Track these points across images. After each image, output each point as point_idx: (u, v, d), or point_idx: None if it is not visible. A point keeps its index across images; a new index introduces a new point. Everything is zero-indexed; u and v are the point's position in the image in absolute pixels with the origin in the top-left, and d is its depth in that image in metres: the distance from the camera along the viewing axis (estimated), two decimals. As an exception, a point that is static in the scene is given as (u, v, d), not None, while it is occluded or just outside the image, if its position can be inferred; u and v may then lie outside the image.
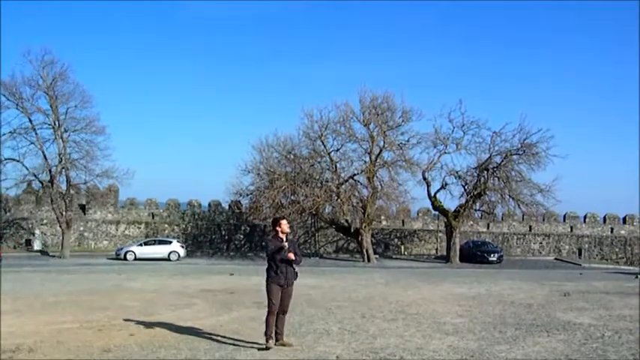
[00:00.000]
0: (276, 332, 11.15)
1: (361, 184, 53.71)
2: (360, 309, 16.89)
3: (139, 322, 14.14)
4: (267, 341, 11.04)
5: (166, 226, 63.14)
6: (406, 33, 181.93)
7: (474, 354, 10.79)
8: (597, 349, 11.42)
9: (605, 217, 68.21)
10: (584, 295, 22.13)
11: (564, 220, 67.57)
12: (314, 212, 52.98)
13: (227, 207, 63.04)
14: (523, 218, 64.90)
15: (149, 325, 13.84)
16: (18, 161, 50.06)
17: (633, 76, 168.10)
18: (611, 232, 67.57)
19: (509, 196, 53.83)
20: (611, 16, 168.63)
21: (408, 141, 53.52)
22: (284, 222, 11.39)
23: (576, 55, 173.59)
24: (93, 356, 10.70)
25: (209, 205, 64.53)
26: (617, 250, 66.68)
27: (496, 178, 54.21)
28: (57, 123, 50.35)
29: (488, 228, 65.76)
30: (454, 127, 53.81)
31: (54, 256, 50.96)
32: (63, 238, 51.84)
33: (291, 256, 11.09)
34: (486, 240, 62.34)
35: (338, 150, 53.48)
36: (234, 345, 11.52)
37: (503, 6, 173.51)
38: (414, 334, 12.78)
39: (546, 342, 12.04)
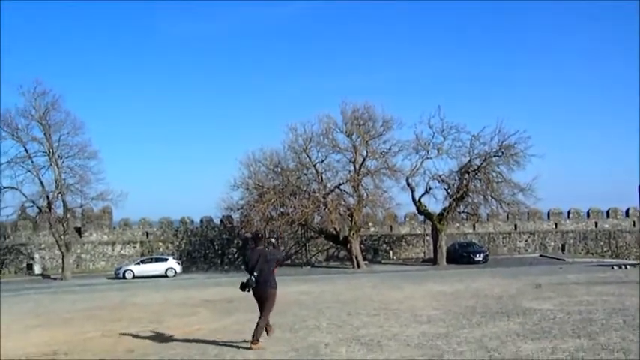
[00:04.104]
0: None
1: (347, 193, 55.66)
2: (347, 308, 18.78)
3: (152, 329, 15.99)
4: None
5: (160, 243, 64.83)
6: (381, 40, 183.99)
7: (440, 336, 12.76)
8: (545, 327, 13.42)
9: (588, 212, 70.34)
10: (555, 286, 24.01)
11: (548, 218, 69.70)
12: (303, 223, 54.87)
13: (219, 222, 64.80)
14: (508, 218, 66.93)
15: (162, 330, 15.70)
16: (16, 189, 52.05)
17: (607, 70, 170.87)
18: (595, 226, 69.74)
19: (492, 196, 55.80)
20: (595, 15, 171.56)
21: (390, 149, 55.61)
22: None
23: (552, 53, 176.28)
24: (119, 356, 12.62)
25: (201, 221, 66.30)
26: (601, 243, 68.81)
27: (477, 180, 56.17)
28: (51, 150, 52.40)
29: (474, 229, 67.71)
30: (434, 133, 55.93)
31: (55, 279, 52.68)
32: (63, 260, 53.71)
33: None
34: (472, 241, 64.25)
35: (323, 161, 55.55)
36: (237, 342, 13.34)
37: (478, 7, 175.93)
38: (392, 325, 14.72)
39: (504, 324, 14.01)
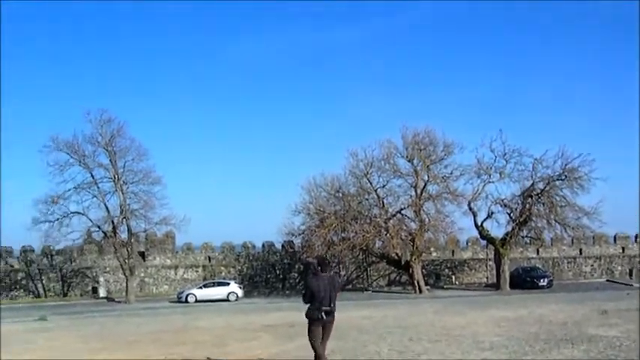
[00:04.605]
0: None
1: (409, 217, 55.25)
2: (408, 334, 18.68)
3: (214, 353, 16.17)
4: None
5: (222, 268, 65.42)
6: (436, 64, 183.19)
7: (502, 364, 12.63)
8: (610, 355, 13.14)
9: (656, 236, 68.40)
10: (621, 312, 23.46)
11: (615, 242, 68.11)
12: (364, 248, 54.75)
13: (280, 247, 65.21)
14: (572, 242, 65.59)
15: (224, 354, 15.87)
16: (82, 214, 53.41)
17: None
18: (665, 249, 67.76)
19: (555, 220, 54.81)
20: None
21: (451, 173, 55.11)
22: None
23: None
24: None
25: (263, 245, 66.70)
26: (672, 267, 66.70)
27: (541, 204, 55.22)
28: (116, 176, 53.70)
29: (537, 253, 66.58)
30: (496, 157, 55.17)
31: (120, 302, 53.73)
32: (127, 284, 54.77)
33: None
34: (536, 265, 63.17)
35: (384, 186, 55.31)
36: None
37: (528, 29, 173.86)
38: (454, 352, 14.60)
39: (568, 352, 13.78)
